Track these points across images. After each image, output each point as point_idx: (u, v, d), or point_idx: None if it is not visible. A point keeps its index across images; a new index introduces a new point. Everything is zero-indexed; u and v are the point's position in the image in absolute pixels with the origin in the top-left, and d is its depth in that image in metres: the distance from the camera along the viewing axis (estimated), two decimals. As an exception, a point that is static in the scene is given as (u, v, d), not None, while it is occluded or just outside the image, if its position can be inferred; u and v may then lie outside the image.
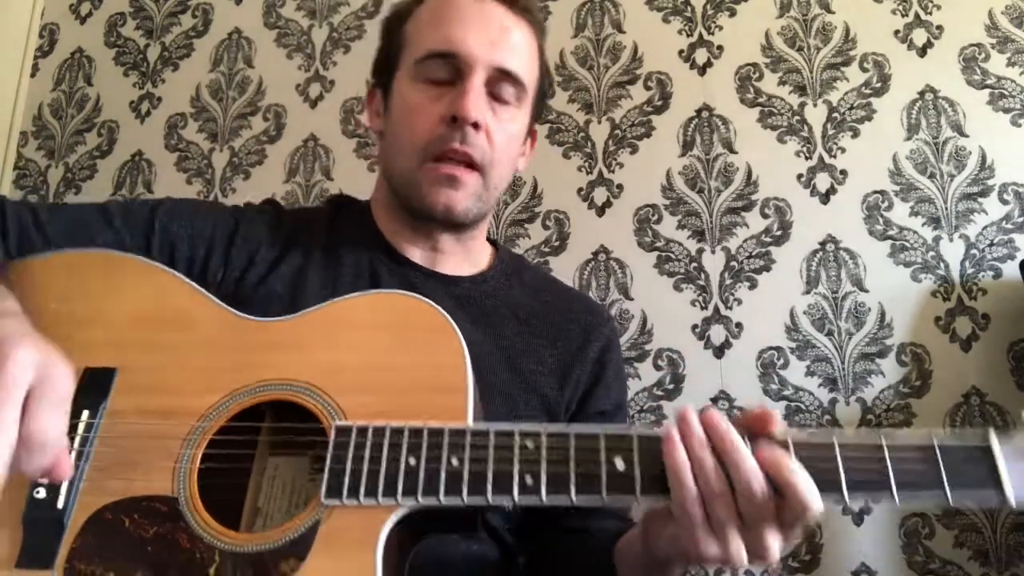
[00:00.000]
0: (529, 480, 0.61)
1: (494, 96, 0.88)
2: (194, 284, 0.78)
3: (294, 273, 0.88)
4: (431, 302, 0.73)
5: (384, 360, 0.70)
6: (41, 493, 0.65)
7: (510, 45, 0.88)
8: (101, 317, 0.75)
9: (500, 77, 0.88)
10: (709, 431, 0.60)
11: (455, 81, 0.87)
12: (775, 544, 0.58)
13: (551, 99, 1.70)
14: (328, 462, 0.64)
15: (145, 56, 1.99)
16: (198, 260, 0.86)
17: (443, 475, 0.62)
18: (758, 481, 0.58)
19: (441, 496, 0.62)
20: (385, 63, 0.95)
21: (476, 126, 0.85)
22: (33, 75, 2.05)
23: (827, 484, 0.59)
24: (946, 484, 0.58)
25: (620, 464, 0.61)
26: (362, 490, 0.63)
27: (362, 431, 0.65)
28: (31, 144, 1.99)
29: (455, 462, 0.63)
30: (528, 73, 0.91)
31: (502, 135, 0.89)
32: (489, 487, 0.62)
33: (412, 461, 0.63)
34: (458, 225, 0.92)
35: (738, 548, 0.58)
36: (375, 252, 0.93)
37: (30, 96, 2.03)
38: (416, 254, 0.94)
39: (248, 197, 1.77)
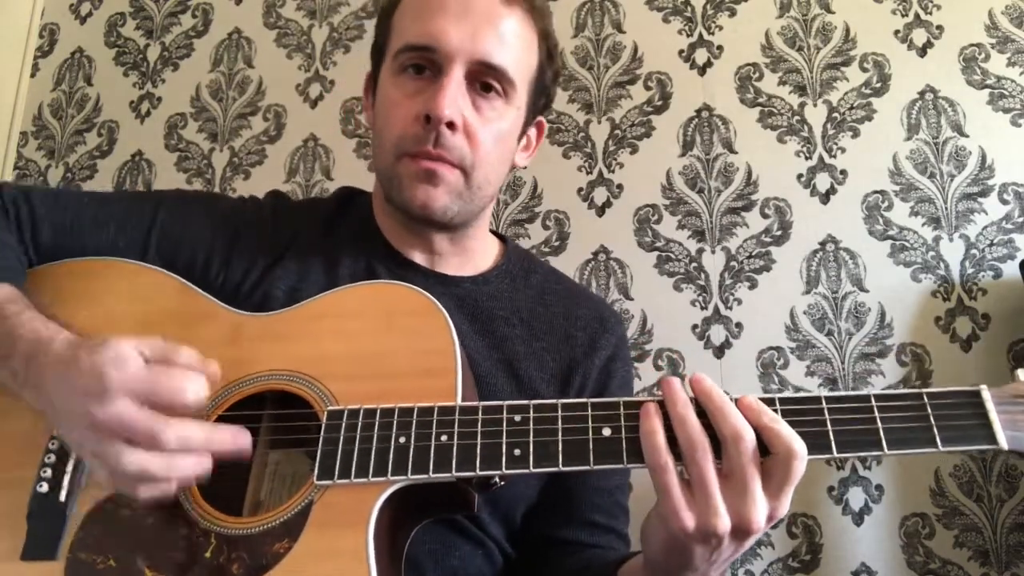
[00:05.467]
0: (517, 452, 0.63)
1: (480, 91, 0.83)
2: (188, 283, 0.80)
3: (292, 278, 0.86)
4: (417, 288, 0.74)
5: (374, 347, 0.72)
6: (44, 488, 0.67)
7: (496, 36, 0.82)
8: (100, 321, 0.76)
9: (483, 71, 0.82)
10: (695, 387, 0.61)
11: (435, 76, 0.81)
12: (760, 509, 0.57)
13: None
14: (320, 445, 0.66)
15: (145, 56, 1.99)
16: (198, 266, 0.85)
17: (432, 451, 0.64)
18: (744, 426, 0.58)
19: (431, 471, 0.63)
20: (376, 53, 0.91)
21: (451, 126, 0.80)
22: (33, 75, 2.05)
23: (816, 442, 0.60)
24: (936, 434, 0.60)
25: (607, 431, 0.63)
26: (353, 469, 0.64)
27: (353, 414, 0.67)
28: (31, 144, 1.99)
29: (444, 438, 0.64)
30: (518, 65, 0.85)
31: (487, 133, 0.83)
32: (478, 461, 0.63)
33: (402, 439, 0.64)
34: (444, 225, 0.87)
35: (719, 511, 0.57)
36: (374, 253, 0.90)
37: (30, 96, 2.03)
38: (416, 255, 0.91)
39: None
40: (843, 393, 0.62)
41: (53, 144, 1.98)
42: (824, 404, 0.61)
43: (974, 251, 1.45)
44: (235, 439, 0.64)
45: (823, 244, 1.50)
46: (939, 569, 1.33)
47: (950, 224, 1.47)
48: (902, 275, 1.46)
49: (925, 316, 1.44)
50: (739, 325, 1.50)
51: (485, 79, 0.83)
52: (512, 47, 0.84)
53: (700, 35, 1.67)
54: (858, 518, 1.37)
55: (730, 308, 1.51)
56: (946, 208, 1.48)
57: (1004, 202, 1.46)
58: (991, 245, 1.44)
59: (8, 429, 0.70)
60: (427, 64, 0.82)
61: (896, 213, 1.49)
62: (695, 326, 1.51)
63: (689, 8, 1.69)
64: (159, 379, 0.61)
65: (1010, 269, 1.42)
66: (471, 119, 0.82)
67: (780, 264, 1.51)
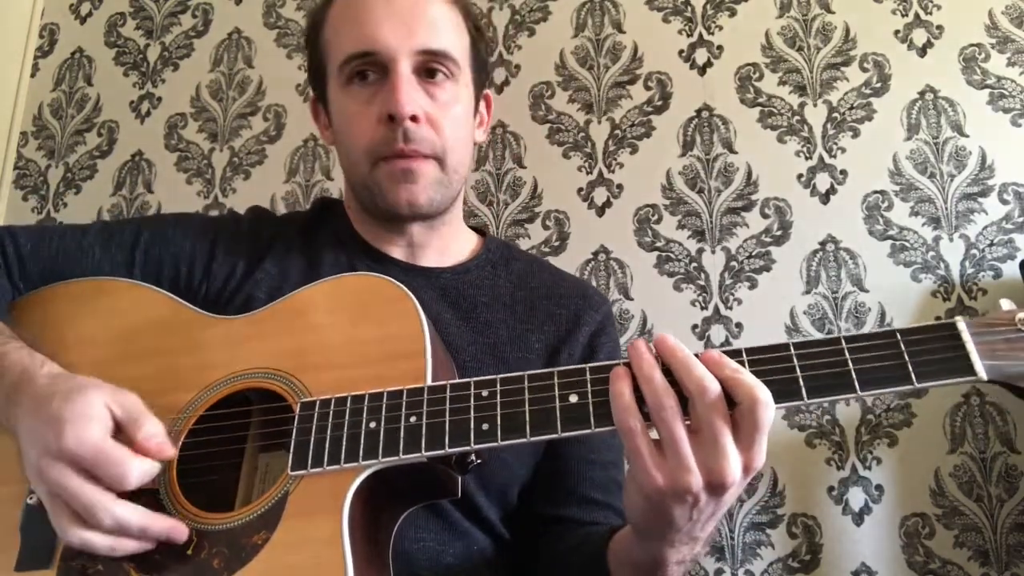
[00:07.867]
0: (485, 426, 0.63)
1: (429, 79, 0.86)
2: (167, 293, 0.82)
3: (273, 280, 0.89)
4: (384, 276, 0.76)
5: (345, 337, 0.73)
6: (34, 500, 0.69)
7: (428, 24, 0.86)
8: (86, 338, 0.79)
9: (428, 59, 0.85)
10: (658, 346, 0.60)
11: (383, 77, 0.85)
12: (732, 461, 0.56)
13: (551, 100, 1.70)
14: (293, 436, 0.67)
15: (145, 56, 1.99)
16: (182, 277, 0.88)
17: (402, 433, 0.64)
18: (708, 379, 0.57)
19: (401, 452, 0.63)
20: (316, 75, 0.93)
21: (415, 119, 0.83)
22: (33, 75, 2.06)
23: (786, 389, 0.59)
24: (912, 371, 0.58)
25: (574, 398, 0.62)
26: (325, 457, 0.65)
27: (325, 403, 0.68)
28: (31, 144, 2.00)
29: (413, 419, 0.65)
30: (457, 44, 0.88)
31: (447, 118, 0.86)
32: (446, 438, 0.63)
33: (373, 424, 0.65)
34: (427, 216, 0.90)
35: (690, 467, 0.56)
36: (354, 252, 0.93)
37: (30, 96, 2.04)
38: (395, 251, 0.94)
39: (248, 197, 1.79)
40: (812, 338, 0.60)
41: (53, 144, 1.98)
42: (792, 351, 0.60)
43: (974, 251, 1.45)
44: (171, 531, 0.64)
45: (823, 244, 1.50)
46: (939, 569, 1.33)
47: (950, 224, 1.47)
48: (902, 275, 1.46)
49: (925, 316, 1.44)
50: (739, 325, 1.50)
51: (431, 66, 0.86)
52: (445, 29, 0.88)
53: (700, 35, 1.67)
54: (858, 518, 1.37)
55: (730, 308, 1.51)
56: (946, 208, 1.48)
57: (1004, 202, 1.46)
58: (991, 245, 1.44)
59: None
60: (372, 68, 0.85)
61: (896, 213, 1.49)
62: (695, 326, 1.51)
63: (689, 8, 1.69)
64: (109, 459, 0.62)
65: (1010, 269, 1.42)
66: (430, 109, 0.85)
67: (780, 264, 1.51)
